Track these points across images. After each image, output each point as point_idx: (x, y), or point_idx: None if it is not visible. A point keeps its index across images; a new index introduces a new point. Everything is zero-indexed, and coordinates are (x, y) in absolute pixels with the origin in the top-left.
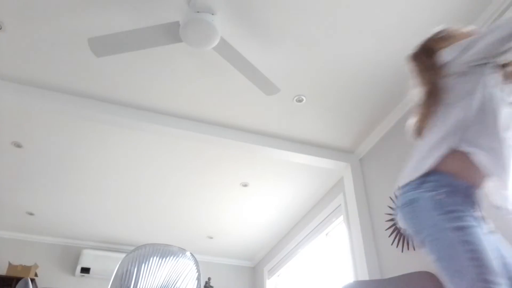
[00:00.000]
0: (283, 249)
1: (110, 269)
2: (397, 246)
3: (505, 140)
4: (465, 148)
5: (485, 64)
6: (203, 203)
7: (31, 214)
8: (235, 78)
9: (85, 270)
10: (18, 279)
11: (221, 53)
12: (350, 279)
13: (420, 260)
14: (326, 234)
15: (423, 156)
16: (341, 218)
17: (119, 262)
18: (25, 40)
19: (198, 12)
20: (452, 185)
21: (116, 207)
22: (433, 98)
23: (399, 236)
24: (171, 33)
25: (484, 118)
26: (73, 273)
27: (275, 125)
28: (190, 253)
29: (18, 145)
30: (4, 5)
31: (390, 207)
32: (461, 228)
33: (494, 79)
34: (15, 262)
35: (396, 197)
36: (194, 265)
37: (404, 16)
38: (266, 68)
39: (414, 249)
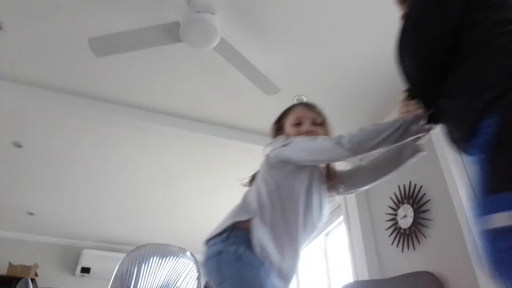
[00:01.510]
0: None
1: (110, 269)
2: (397, 246)
3: (297, 239)
4: (257, 225)
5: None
6: (203, 203)
7: (31, 214)
8: (235, 78)
9: (85, 270)
10: (18, 279)
11: (221, 53)
12: (350, 279)
13: (420, 260)
14: (326, 234)
15: (231, 214)
16: (341, 218)
17: (119, 262)
18: (25, 40)
19: (198, 12)
20: (250, 240)
21: (116, 207)
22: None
23: (399, 236)
24: (171, 33)
25: (283, 210)
26: (73, 273)
27: None
28: (191, 253)
29: (18, 145)
30: (4, 5)
31: (390, 207)
32: (255, 276)
33: (303, 177)
34: (15, 262)
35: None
36: (194, 265)
37: None
38: (266, 68)
39: (414, 249)
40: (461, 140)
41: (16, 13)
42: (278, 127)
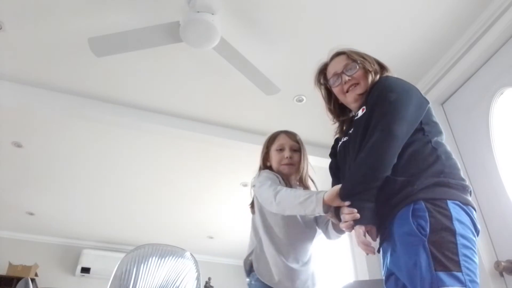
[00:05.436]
0: None
1: (110, 269)
2: None
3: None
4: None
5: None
6: (203, 203)
7: (31, 214)
8: (235, 78)
9: (85, 270)
10: (18, 279)
11: (221, 53)
12: (350, 279)
13: None
14: None
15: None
16: None
17: (119, 262)
18: (25, 40)
19: (198, 12)
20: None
21: (116, 207)
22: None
23: None
24: (171, 33)
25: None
26: (73, 273)
27: (275, 125)
28: (190, 253)
29: (18, 145)
30: (4, 5)
31: None
32: None
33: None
34: (15, 262)
35: None
36: (194, 265)
37: (406, 17)
38: (266, 68)
39: None
40: (387, 208)
41: (16, 13)
42: (266, 151)
